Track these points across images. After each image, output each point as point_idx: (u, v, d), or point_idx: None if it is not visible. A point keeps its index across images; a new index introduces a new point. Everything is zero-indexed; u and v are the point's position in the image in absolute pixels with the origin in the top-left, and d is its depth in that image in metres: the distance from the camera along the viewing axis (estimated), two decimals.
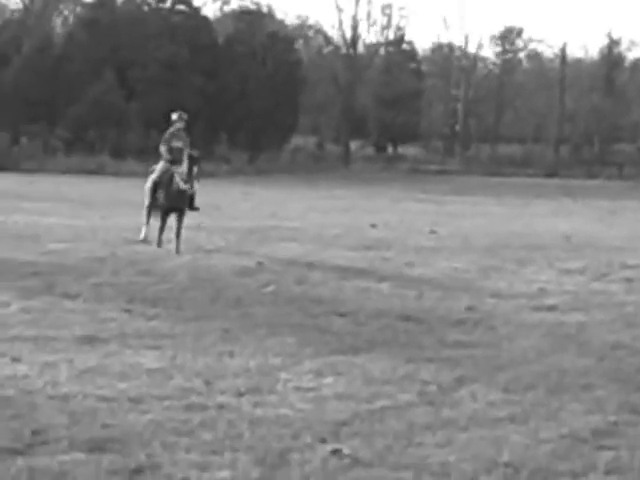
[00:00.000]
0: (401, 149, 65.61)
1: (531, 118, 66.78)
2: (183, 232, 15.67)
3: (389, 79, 60.45)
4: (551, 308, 12.24)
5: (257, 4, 56.33)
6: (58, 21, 56.12)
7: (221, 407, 7.07)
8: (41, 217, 21.95)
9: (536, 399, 7.70)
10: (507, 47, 66.80)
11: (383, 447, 6.36)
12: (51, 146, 49.77)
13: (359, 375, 8.29)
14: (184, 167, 14.84)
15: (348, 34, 58.96)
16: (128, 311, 10.81)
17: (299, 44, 59.13)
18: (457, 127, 64.50)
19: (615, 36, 64.72)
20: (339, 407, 7.29)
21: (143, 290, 12.30)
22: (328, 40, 61.68)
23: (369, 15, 59.65)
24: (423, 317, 11.27)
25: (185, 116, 16.13)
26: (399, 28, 62.02)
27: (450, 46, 65.69)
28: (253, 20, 54.97)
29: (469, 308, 12.05)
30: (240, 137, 46.89)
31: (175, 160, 15.24)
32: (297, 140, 56.38)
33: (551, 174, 56.66)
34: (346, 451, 6.19)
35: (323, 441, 6.40)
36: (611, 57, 64.83)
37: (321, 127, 62.53)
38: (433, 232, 20.83)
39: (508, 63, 67.17)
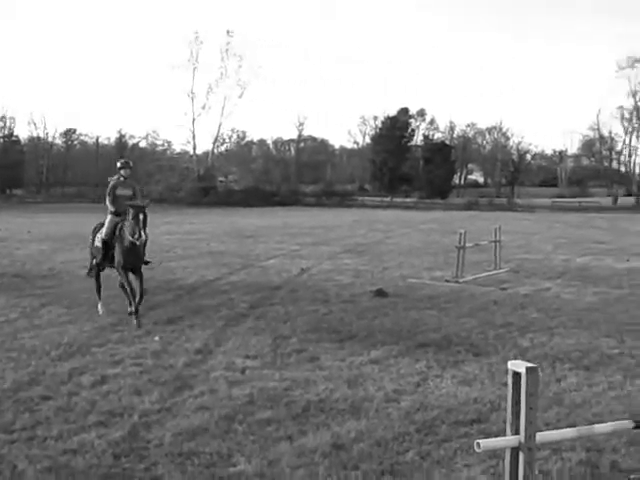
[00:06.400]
0: None
1: None
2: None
3: None
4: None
5: None
6: None
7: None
8: None
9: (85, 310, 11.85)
10: None
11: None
12: None
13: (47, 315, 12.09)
14: (129, 217, 10.90)
15: None
16: None
17: None
18: None
19: None
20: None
21: None
22: None
23: None
24: (25, 275, 15.78)
25: (131, 163, 12.24)
26: None
27: None
28: None
29: (50, 269, 16.99)
30: None
31: (121, 211, 11.41)
32: None
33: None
34: None
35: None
36: None
37: None
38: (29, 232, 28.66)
39: None
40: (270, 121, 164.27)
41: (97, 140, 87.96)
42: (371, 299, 13.55)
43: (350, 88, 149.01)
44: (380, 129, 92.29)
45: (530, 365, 4.10)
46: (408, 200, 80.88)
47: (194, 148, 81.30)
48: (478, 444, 4.04)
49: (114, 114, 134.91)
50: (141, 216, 10.77)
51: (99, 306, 11.82)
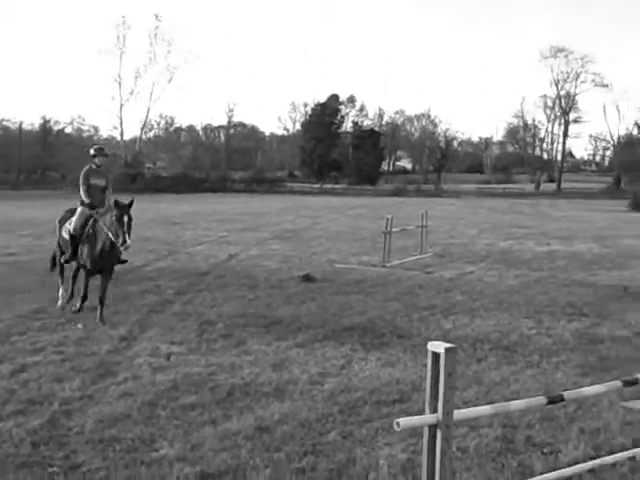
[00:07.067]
0: None
1: None
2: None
3: None
4: (11, 254, 17.04)
5: None
6: None
7: None
8: None
9: None
10: None
11: None
12: None
13: None
14: (112, 216, 9.54)
15: None
16: None
17: None
18: None
19: None
20: None
21: None
22: None
23: None
24: None
25: (106, 150, 11.15)
26: None
27: None
28: None
29: None
30: None
31: (95, 203, 10.33)
32: None
33: None
34: None
35: None
36: None
37: None
38: None
39: None
40: (199, 107, 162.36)
41: (20, 126, 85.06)
42: (298, 284, 13.59)
43: (280, 74, 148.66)
44: (310, 116, 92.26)
45: (449, 345, 4.18)
46: (337, 186, 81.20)
47: (121, 134, 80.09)
48: (397, 423, 4.10)
49: (38, 99, 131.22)
50: (126, 218, 9.50)
51: (60, 293, 10.92)
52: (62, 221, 10.87)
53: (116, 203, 9.61)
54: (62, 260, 10.78)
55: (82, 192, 10.48)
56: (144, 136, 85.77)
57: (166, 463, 5.21)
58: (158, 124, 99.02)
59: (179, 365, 7.83)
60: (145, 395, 6.74)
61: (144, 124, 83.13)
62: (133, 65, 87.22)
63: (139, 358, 8.08)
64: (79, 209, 10.50)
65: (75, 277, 10.98)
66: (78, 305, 10.33)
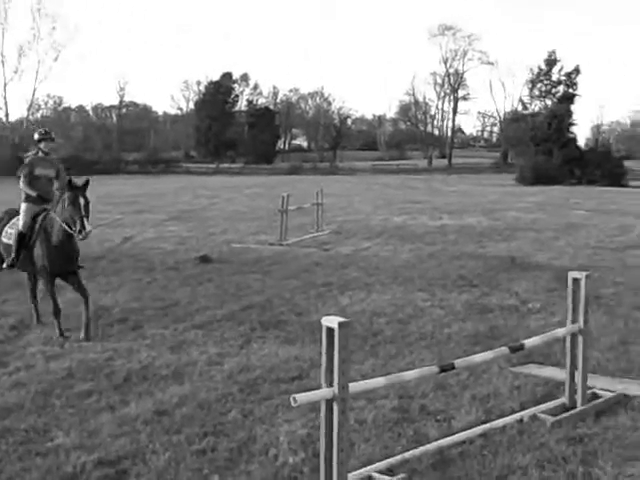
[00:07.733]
0: None
1: None
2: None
3: None
4: None
5: None
6: None
7: None
8: None
9: None
10: None
11: None
12: None
13: None
14: (65, 200, 8.03)
15: None
16: None
17: None
18: None
19: None
20: None
21: None
22: None
23: None
24: None
25: (53, 135, 9.25)
26: None
27: None
28: None
29: None
30: None
31: (45, 195, 8.78)
32: None
33: None
34: None
35: None
36: None
37: None
38: None
39: None
40: (89, 86, 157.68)
41: None
42: (196, 266, 13.47)
43: (172, 51, 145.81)
44: (204, 94, 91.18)
45: (342, 320, 4.24)
46: (234, 166, 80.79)
47: (6, 115, 77.10)
48: (294, 398, 4.15)
49: None
50: (82, 200, 7.96)
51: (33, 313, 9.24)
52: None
53: (69, 183, 8.13)
54: (4, 266, 9.06)
55: (23, 184, 8.82)
56: (31, 117, 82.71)
57: (62, 452, 5.09)
58: (46, 104, 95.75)
59: (74, 352, 7.65)
60: (38, 384, 6.55)
61: (30, 104, 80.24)
62: (16, 42, 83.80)
63: (32, 347, 7.84)
64: (23, 206, 8.80)
65: (34, 296, 9.35)
66: (56, 325, 8.48)
